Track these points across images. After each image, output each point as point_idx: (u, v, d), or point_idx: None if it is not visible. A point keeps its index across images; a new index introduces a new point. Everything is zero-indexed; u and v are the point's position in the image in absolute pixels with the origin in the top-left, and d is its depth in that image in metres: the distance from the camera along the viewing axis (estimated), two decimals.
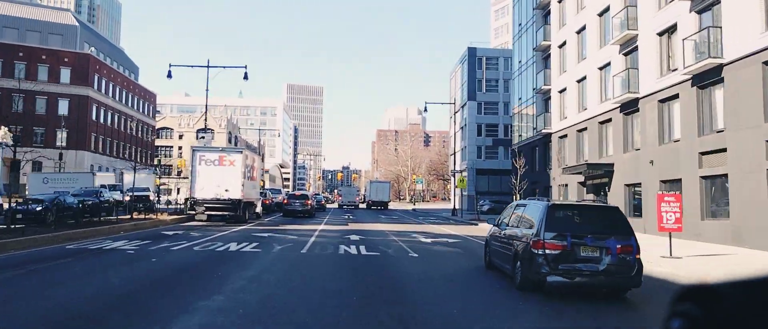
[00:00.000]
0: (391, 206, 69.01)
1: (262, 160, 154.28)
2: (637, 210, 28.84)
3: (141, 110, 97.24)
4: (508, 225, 12.44)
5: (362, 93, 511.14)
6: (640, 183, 28.44)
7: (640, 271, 10.19)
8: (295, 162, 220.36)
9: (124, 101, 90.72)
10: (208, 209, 28.69)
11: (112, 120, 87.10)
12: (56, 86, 75.73)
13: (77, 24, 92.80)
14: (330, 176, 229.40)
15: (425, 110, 49.18)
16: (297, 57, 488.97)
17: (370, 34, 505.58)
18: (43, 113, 74.20)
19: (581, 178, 34.82)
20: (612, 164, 31.24)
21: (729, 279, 1.29)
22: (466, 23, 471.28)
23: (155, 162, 61.90)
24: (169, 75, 39.94)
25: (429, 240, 22.45)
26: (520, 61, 48.56)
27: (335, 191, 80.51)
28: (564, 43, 38.73)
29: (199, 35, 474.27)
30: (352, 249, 17.44)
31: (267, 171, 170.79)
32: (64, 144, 73.20)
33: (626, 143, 30.31)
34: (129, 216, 25.55)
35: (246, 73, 40.02)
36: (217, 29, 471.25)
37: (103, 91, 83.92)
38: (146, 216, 27.72)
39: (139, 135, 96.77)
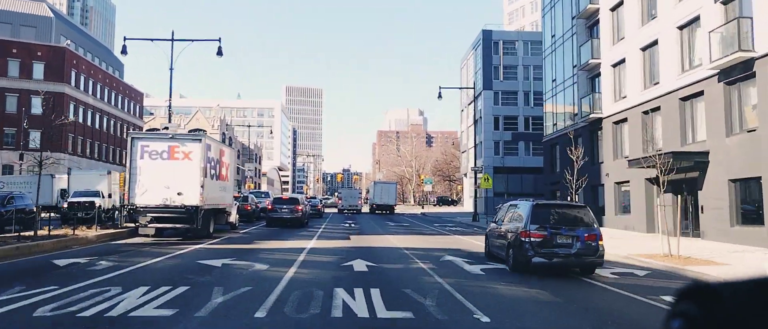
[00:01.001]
0: (397, 209, 60.47)
1: (260, 161, 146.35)
2: (754, 215, 20.34)
3: (126, 110, 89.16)
4: (503, 222, 15.21)
5: (362, 95, 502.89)
6: (758, 177, 19.97)
7: (603, 254, 13.14)
8: (294, 165, 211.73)
9: (106, 100, 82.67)
10: (155, 220, 20.27)
11: (92, 120, 79.06)
12: (29, 82, 67.67)
13: (52, 15, 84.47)
14: (329, 178, 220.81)
15: (439, 95, 40.87)
16: (295, 59, 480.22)
17: (368, 35, 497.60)
18: (14, 112, 66.30)
19: (652, 172, 26.27)
20: (706, 153, 22.77)
21: (729, 278, 1.23)
22: (471, 20, 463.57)
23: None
24: (124, 51, 32.00)
25: (478, 269, 13.98)
26: (553, 36, 40.11)
27: (336, 194, 71.73)
28: (619, 4, 30.27)
29: (195, 37, 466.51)
30: (358, 301, 9.03)
31: (265, 174, 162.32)
32: (37, 145, 65.26)
33: (730, 122, 21.82)
34: (16, 234, 16.99)
35: (220, 48, 32.52)
36: (214, 31, 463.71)
37: (81, 88, 75.91)
38: (58, 233, 19.14)
39: (125, 136, 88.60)
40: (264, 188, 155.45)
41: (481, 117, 59.06)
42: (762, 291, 1.15)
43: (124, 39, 31.65)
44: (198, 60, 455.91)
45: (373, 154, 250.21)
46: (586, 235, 12.86)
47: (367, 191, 61.45)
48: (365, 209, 61.32)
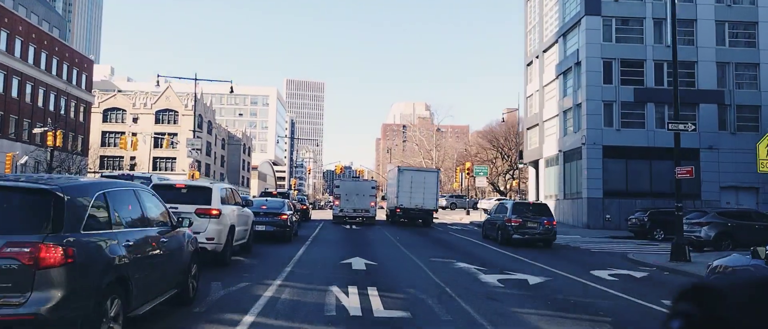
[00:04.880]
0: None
1: (250, 153, 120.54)
2: None
3: (66, 78, 63.66)
4: (494, 214, 22.16)
5: (364, 91, 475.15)
6: None
7: (556, 233, 19.88)
8: (291, 160, 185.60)
9: (34, 63, 57.39)
10: None
11: (6, 85, 53.87)
12: None
13: None
14: (327, 173, 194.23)
15: None
16: (295, 52, 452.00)
17: (370, 28, 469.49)
18: None
19: None
20: None
21: (730, 278, 1.19)
22: (477, 9, 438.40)
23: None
24: None
25: None
26: None
27: (334, 192, 42.95)
28: None
29: (192, 25, 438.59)
30: None
31: (256, 168, 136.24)
32: None
33: None
34: None
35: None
36: (211, 19, 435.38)
37: None
38: None
39: (65, 113, 63.40)
40: (254, 183, 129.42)
41: (579, 62, 33.23)
42: (762, 292, 1.09)
43: None
44: (193, 51, 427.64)
45: (377, 150, 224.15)
46: (546, 221, 19.35)
47: (389, 186, 34.36)
48: (380, 213, 35.57)
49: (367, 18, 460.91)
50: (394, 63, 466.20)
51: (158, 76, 36.29)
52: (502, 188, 77.37)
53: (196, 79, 37.25)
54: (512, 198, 65.85)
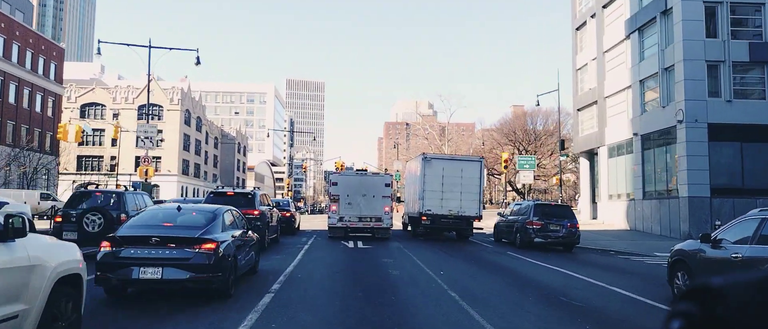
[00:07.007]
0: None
1: (245, 153, 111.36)
2: None
3: (31, 67, 54.80)
4: (509, 215, 20.71)
5: (364, 90, 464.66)
6: None
7: (579, 236, 18.64)
8: (291, 160, 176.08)
9: None
10: None
11: None
12: None
13: None
14: (326, 170, 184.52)
15: None
16: (295, 51, 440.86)
17: (369, 26, 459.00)
18: None
19: None
20: None
21: (730, 278, 1.16)
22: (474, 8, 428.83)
23: None
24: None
25: None
26: None
27: (330, 192, 27.71)
28: None
29: (188, 24, 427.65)
30: None
31: (252, 169, 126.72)
32: None
33: None
34: None
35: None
36: (209, 18, 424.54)
37: None
38: None
39: (29, 106, 54.60)
40: (250, 184, 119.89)
41: (667, 10, 23.63)
42: (762, 292, 1.07)
43: None
44: (190, 43, 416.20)
45: (380, 149, 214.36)
46: (569, 224, 18.30)
47: (409, 184, 23.78)
48: (396, 221, 25.86)
49: (363, 17, 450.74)
50: (393, 61, 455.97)
51: (99, 41, 26.81)
52: (519, 187, 67.93)
53: (150, 47, 27.91)
54: (534, 199, 56.33)
